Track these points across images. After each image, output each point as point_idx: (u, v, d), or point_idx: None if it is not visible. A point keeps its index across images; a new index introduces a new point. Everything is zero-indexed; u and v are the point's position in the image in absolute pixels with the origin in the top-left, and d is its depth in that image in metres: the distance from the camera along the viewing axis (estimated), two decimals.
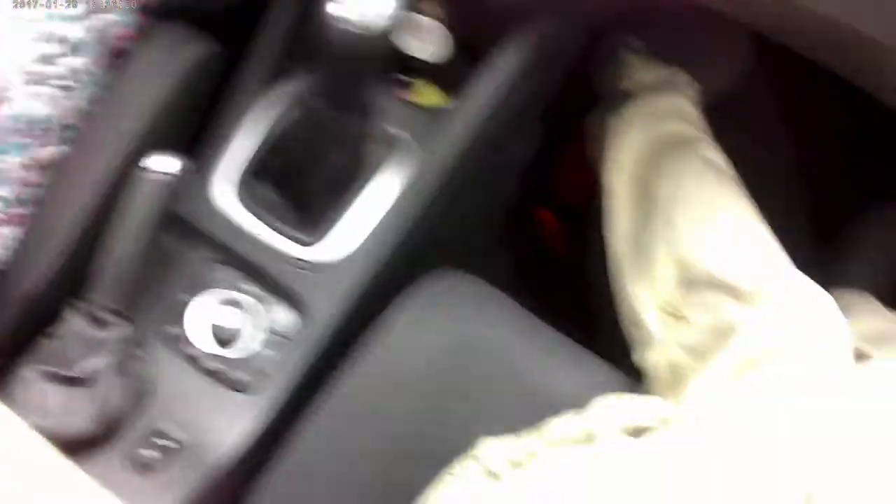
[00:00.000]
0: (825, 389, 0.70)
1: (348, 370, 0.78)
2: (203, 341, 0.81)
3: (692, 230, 0.82)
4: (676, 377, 0.78)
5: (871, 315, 0.96)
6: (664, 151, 0.89)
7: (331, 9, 0.67)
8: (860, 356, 0.81)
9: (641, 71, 1.03)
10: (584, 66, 1.10)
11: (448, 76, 0.93)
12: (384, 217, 0.83)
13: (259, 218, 0.83)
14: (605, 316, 0.88)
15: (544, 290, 1.01)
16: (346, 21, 0.66)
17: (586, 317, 0.95)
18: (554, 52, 0.91)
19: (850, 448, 0.68)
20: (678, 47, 1.07)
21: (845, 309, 0.97)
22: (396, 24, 0.68)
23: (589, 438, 0.72)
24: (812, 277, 0.76)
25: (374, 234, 0.83)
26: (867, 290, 1.05)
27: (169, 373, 0.80)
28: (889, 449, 0.67)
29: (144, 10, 0.84)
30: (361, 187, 0.84)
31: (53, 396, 0.75)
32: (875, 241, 1.18)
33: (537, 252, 1.26)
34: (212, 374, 0.80)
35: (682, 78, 1.01)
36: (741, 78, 1.13)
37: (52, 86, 0.78)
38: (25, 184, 0.78)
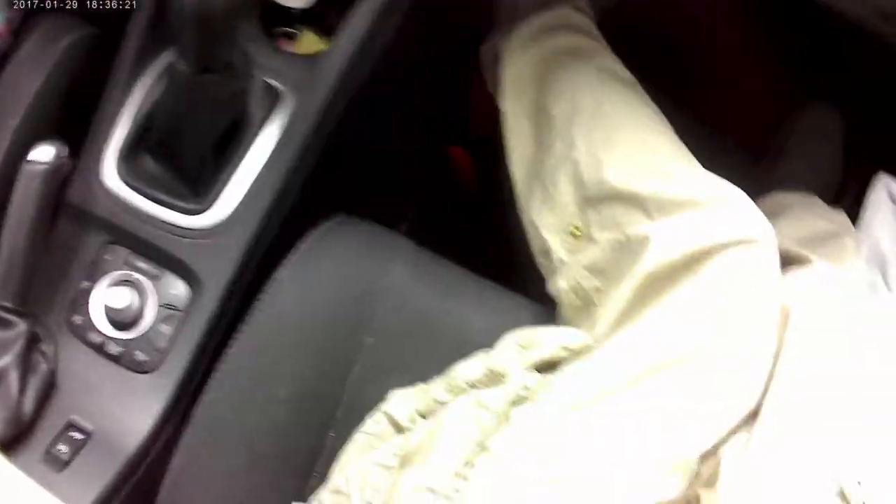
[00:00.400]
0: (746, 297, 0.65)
1: (240, 335, 0.75)
2: (104, 326, 0.79)
3: (592, 145, 0.77)
4: (586, 302, 0.74)
5: (811, 216, 0.90)
6: (556, 67, 0.84)
7: None
8: (799, 261, 0.76)
9: None
10: None
11: (332, 20, 0.89)
12: (259, 173, 0.80)
13: (143, 193, 0.80)
14: (520, 249, 0.84)
15: (460, 228, 0.97)
16: None
17: (504, 252, 0.89)
18: None
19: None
20: None
21: (781, 211, 0.92)
22: None
23: (495, 379, 0.68)
24: (746, 184, 0.71)
25: (250, 192, 0.79)
26: (808, 189, 0.98)
27: (76, 363, 0.79)
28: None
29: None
30: (244, 147, 0.81)
31: None
32: (808, 139, 1.11)
33: (451, 190, 1.21)
34: (115, 358, 0.78)
35: None
36: None
37: None
38: None
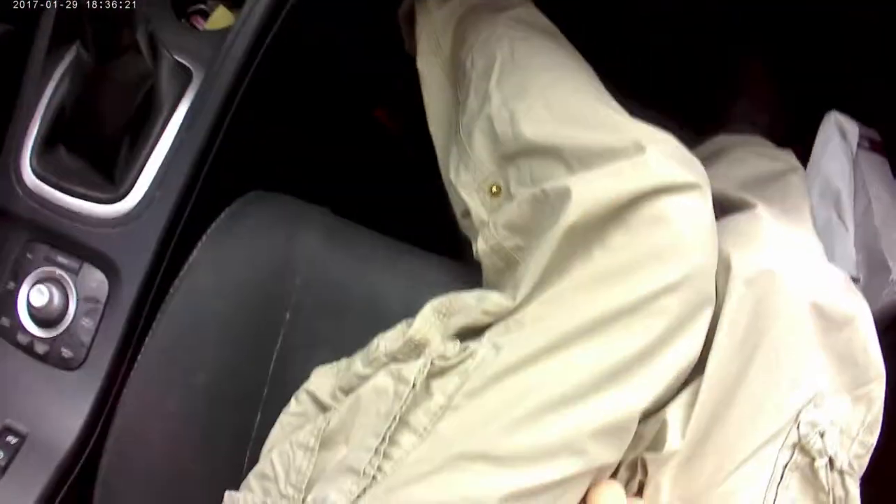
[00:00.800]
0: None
1: (158, 323, 0.73)
2: (30, 325, 0.78)
3: (506, 97, 0.73)
4: (508, 262, 0.70)
5: (754, 157, 0.86)
6: (470, 22, 0.81)
7: None
8: (741, 205, 0.72)
9: None
10: None
11: None
12: (170, 155, 0.78)
13: (59, 187, 0.78)
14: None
15: (391, 196, 0.94)
16: None
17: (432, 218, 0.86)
18: None
19: None
20: None
21: (722, 153, 0.88)
22: None
23: (416, 350, 0.66)
24: (687, 128, 0.67)
25: (163, 175, 0.77)
26: (752, 130, 0.94)
27: (5, 366, 0.78)
28: None
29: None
30: (157, 130, 0.79)
31: None
32: (749, 104, 1.05)
33: (378, 156, 1.18)
34: (42, 357, 0.77)
35: None
36: None
37: None
38: None
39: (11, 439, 0.75)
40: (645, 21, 1.20)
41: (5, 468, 0.74)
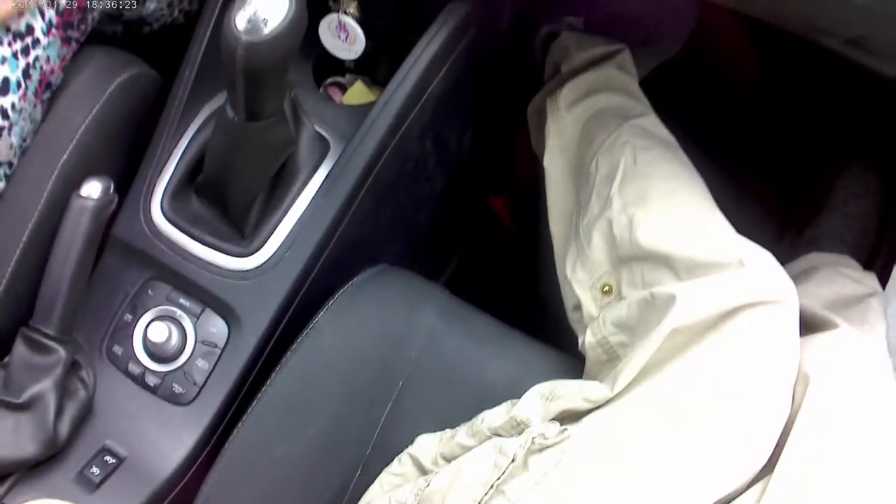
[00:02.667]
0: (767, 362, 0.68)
1: (278, 374, 0.79)
2: (144, 358, 0.83)
3: (626, 203, 0.80)
4: (611, 357, 0.77)
5: (841, 278, 0.93)
6: (596, 127, 0.88)
7: (226, 20, 0.68)
8: (825, 324, 0.78)
9: (578, 49, 1.01)
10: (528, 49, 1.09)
11: (382, 72, 0.94)
12: (304, 219, 0.83)
13: (189, 233, 0.84)
14: (555, 301, 0.88)
15: (501, 280, 1.00)
16: (234, 30, 0.66)
17: (541, 304, 0.93)
18: (474, 38, 0.90)
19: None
20: (618, 19, 1.05)
21: (812, 273, 0.95)
22: (293, 30, 0.68)
23: (517, 427, 0.72)
24: (781, 241, 0.74)
25: (296, 237, 0.83)
26: (844, 252, 1.03)
27: (113, 391, 0.83)
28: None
29: (70, 41, 0.85)
30: (292, 194, 0.85)
31: (3, 424, 0.78)
32: (846, 197, 1.14)
33: (492, 239, 1.25)
34: (152, 389, 0.82)
35: (618, 49, 1.00)
36: (683, 43, 1.11)
37: None
38: None
39: (109, 459, 0.80)
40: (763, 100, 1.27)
41: (98, 485, 0.79)
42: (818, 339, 0.75)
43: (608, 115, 0.90)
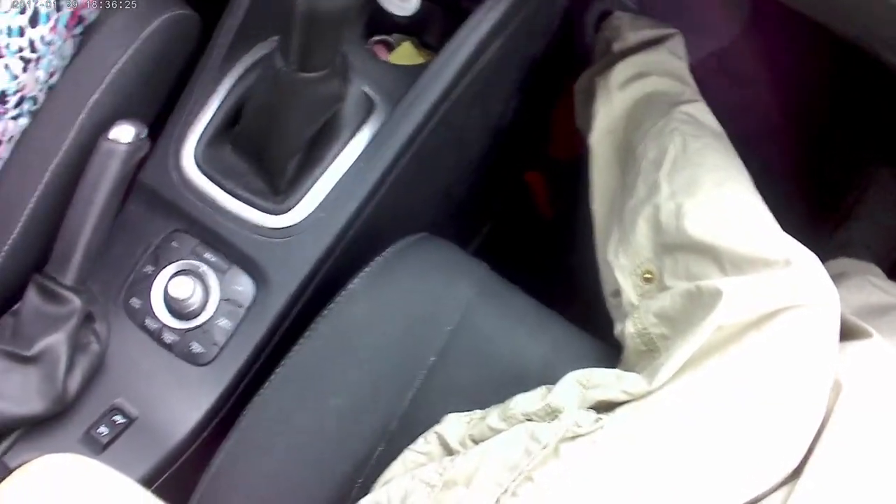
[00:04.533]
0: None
1: (304, 340, 0.77)
2: (163, 314, 0.80)
3: (674, 190, 0.79)
4: (650, 348, 0.76)
5: (869, 286, 0.93)
6: (646, 111, 0.88)
7: None
8: (857, 332, 0.78)
9: (631, 30, 1.00)
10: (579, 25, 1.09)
11: (432, 35, 0.92)
12: (344, 180, 0.81)
13: (221, 185, 0.82)
14: (589, 284, 0.86)
15: (530, 256, 0.99)
16: None
17: (572, 284, 0.92)
18: (532, 10, 0.88)
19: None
20: (672, 4, 1.06)
21: (840, 279, 0.95)
22: None
23: (552, 414, 0.70)
24: (810, 244, 0.73)
25: (333, 198, 0.81)
26: (870, 258, 1.01)
27: (128, 347, 0.80)
28: None
29: None
30: (333, 153, 0.82)
31: (10, 378, 0.75)
32: (875, 204, 1.14)
33: (524, 216, 1.24)
34: (169, 346, 0.80)
35: (671, 33, 0.99)
36: (734, 34, 1.11)
37: (10, 57, 0.77)
38: None
39: (119, 419, 0.78)
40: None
41: (106, 446, 0.76)
42: (851, 347, 0.74)
43: (658, 99, 0.89)
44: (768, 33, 1.16)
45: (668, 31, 0.99)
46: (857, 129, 1.24)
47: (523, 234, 1.20)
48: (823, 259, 0.94)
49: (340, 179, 0.81)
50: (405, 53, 0.90)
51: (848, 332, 0.77)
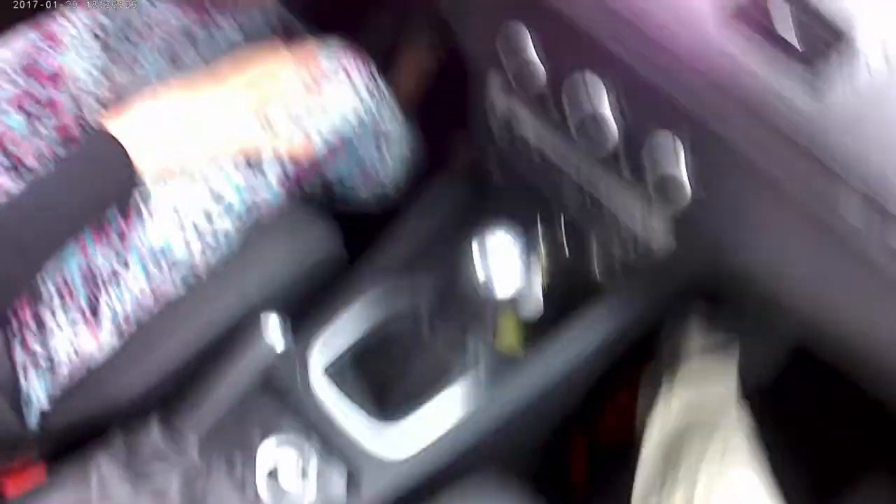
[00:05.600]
0: None
1: None
2: (262, 488, 0.90)
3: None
4: None
5: None
6: (698, 418, 0.99)
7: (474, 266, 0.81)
8: None
9: (701, 334, 1.10)
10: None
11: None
12: (444, 434, 0.95)
13: (341, 400, 0.95)
14: None
15: None
16: (487, 288, 0.81)
17: None
18: (634, 321, 1.04)
19: None
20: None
21: None
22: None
23: None
24: None
25: (430, 447, 0.94)
26: None
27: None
28: None
29: (290, 194, 1.01)
30: (432, 395, 0.96)
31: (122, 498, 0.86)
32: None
33: (559, 474, 1.33)
34: None
35: (733, 345, 1.09)
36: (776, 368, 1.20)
37: (202, 241, 0.94)
38: (139, 306, 0.93)
39: None
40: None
41: None
42: None
43: (711, 408, 1.00)
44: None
45: (732, 343, 1.09)
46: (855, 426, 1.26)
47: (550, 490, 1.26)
48: None
49: (444, 434, 0.94)
50: (507, 334, 1.03)
51: None
